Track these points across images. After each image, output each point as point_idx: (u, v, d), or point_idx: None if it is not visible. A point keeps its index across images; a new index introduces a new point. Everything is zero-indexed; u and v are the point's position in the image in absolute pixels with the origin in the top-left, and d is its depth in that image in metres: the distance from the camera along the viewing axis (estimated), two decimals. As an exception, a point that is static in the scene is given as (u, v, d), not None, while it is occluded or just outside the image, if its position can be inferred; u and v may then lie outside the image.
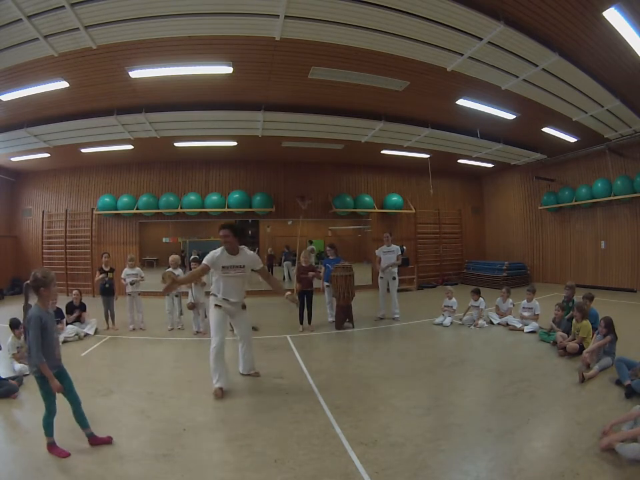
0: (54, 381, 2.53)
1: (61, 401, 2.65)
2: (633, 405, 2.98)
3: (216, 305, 3.80)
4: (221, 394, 3.53)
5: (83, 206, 10.85)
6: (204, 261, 3.76)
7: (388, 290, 7.16)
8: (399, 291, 7.32)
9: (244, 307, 4.04)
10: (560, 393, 3.51)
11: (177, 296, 6.51)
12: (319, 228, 13.17)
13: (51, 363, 2.56)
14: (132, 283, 6.42)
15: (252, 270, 3.89)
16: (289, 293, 3.97)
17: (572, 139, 9.14)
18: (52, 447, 2.57)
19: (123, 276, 6.52)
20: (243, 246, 3.86)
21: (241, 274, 3.79)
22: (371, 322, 6.83)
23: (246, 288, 4.04)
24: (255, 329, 4.39)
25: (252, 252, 3.98)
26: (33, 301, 2.62)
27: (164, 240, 12.29)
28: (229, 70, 5.70)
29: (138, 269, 6.68)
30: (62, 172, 10.93)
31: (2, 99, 6.23)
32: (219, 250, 3.74)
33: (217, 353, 3.64)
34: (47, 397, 2.58)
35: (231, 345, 4.59)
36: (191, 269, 6.60)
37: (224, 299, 3.80)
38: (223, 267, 3.71)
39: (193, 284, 6.08)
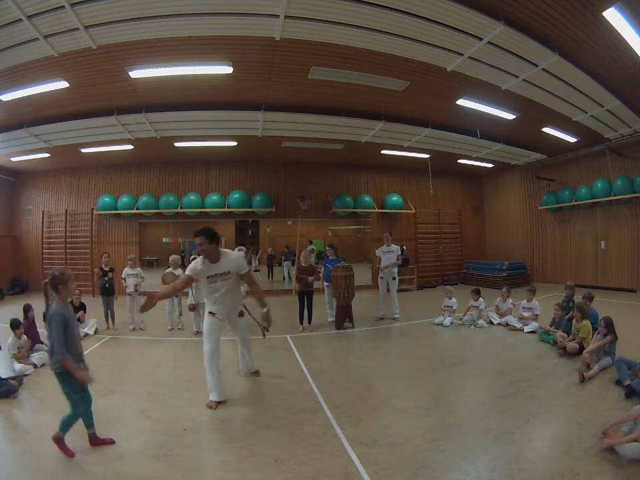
0: (79, 371, 2.45)
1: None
2: (633, 404, 2.98)
3: (210, 312, 3.52)
4: (215, 406, 3.34)
5: (83, 206, 10.85)
6: (187, 271, 3.41)
7: (388, 290, 7.16)
8: (399, 291, 7.31)
9: (241, 314, 3.83)
10: (560, 393, 3.51)
11: (176, 296, 6.48)
12: (319, 228, 13.17)
13: (73, 359, 2.52)
14: (136, 289, 6.45)
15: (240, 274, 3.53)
16: (266, 309, 3.55)
17: (572, 139, 9.14)
18: (60, 442, 2.54)
19: (123, 276, 6.52)
20: (225, 250, 3.53)
21: (229, 280, 3.43)
22: (371, 322, 6.83)
23: (245, 289, 3.95)
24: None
25: (236, 254, 3.65)
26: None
27: (164, 240, 12.28)
28: (229, 70, 5.70)
29: (138, 269, 6.69)
30: (62, 172, 10.93)
31: (2, 99, 6.23)
32: (199, 259, 3.38)
33: (210, 359, 3.42)
34: (71, 396, 2.52)
35: (231, 345, 4.59)
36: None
37: (218, 314, 3.50)
38: (208, 277, 3.36)
39: (193, 284, 6.03)
